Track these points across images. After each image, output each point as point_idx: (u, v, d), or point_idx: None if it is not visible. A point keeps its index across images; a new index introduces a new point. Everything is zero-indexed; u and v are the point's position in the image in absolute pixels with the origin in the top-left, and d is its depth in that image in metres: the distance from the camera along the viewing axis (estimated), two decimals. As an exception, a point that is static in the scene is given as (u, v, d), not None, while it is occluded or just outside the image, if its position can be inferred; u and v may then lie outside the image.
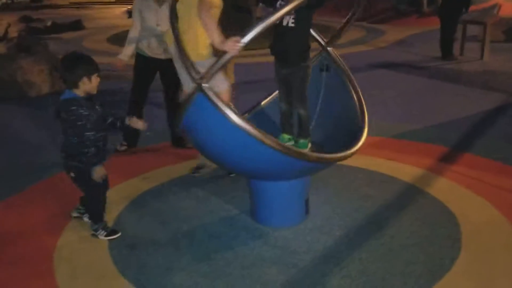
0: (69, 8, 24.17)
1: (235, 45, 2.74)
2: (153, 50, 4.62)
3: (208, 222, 3.54)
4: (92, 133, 3.09)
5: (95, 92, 3.18)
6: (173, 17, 3.30)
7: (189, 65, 2.94)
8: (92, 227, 3.34)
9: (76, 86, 3.10)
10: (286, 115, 3.51)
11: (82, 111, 3.06)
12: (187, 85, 3.45)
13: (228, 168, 3.85)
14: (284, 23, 3.23)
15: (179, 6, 3.41)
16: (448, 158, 4.54)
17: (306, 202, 3.48)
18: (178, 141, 4.93)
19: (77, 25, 15.32)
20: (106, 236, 3.30)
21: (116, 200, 3.82)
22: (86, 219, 3.46)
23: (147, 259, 3.08)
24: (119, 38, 11.80)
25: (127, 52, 4.70)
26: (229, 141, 2.94)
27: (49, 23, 14.98)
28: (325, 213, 3.57)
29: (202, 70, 2.87)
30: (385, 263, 2.98)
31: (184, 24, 3.39)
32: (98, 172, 3.15)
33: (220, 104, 2.80)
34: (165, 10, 4.47)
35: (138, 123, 3.35)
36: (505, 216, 3.47)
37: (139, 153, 4.87)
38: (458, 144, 4.91)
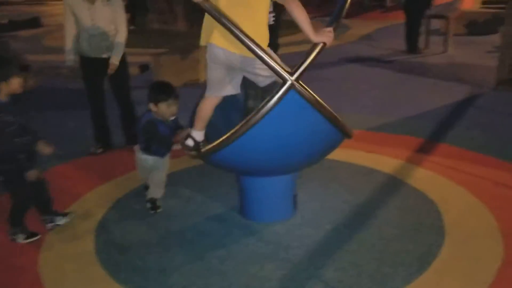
0: (23, 5, 23.37)
1: (330, 35, 2.76)
2: (95, 50, 4.46)
3: (197, 220, 3.52)
4: (20, 138, 3.07)
5: (20, 91, 3.12)
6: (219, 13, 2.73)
7: (272, 62, 2.73)
8: (9, 231, 3.28)
9: None
10: None
11: (7, 118, 3.01)
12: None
13: (286, 168, 3.33)
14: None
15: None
16: (424, 149, 4.67)
17: (294, 197, 3.52)
18: (133, 140, 4.86)
19: (35, 22, 14.82)
20: (25, 239, 3.26)
21: (99, 203, 3.76)
22: (52, 224, 3.42)
23: (138, 262, 3.04)
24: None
25: (70, 57, 4.51)
26: (319, 134, 2.97)
27: (5, 21, 14.45)
28: (313, 207, 3.61)
29: (252, 67, 2.83)
30: (375, 254, 3.05)
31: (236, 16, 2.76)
32: (31, 176, 3.14)
33: (315, 97, 2.82)
34: (99, 7, 4.39)
35: (45, 149, 3.25)
36: (484, 203, 3.60)
37: (117, 154, 4.79)
38: (432, 135, 5.05)
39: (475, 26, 10.70)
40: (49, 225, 3.41)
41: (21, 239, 3.25)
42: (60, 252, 3.16)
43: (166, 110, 3.44)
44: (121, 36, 4.53)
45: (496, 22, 10.70)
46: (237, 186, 3.53)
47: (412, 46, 9.08)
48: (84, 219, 3.55)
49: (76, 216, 3.57)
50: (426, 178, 4.03)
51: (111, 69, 4.47)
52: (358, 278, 2.83)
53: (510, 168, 4.17)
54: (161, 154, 3.57)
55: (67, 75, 7.45)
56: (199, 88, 6.47)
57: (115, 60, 4.48)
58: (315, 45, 2.81)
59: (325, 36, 2.78)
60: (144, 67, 7.85)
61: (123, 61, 4.59)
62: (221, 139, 2.92)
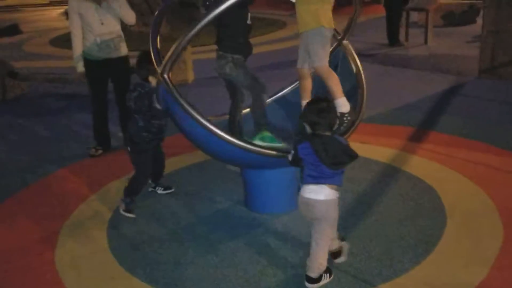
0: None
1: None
2: (104, 50, 4.52)
3: (205, 215, 3.60)
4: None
5: None
6: None
7: None
8: (122, 199, 3.60)
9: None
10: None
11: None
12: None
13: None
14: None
15: None
16: (416, 138, 4.83)
17: (299, 188, 3.61)
18: None
19: (13, 29, 14.61)
20: (124, 211, 3.57)
21: (106, 203, 3.80)
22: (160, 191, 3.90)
23: (153, 257, 3.10)
24: (63, 41, 11.46)
25: (81, 62, 4.54)
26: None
27: (-17, 30, 14.22)
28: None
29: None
30: (381, 238, 3.17)
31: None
32: None
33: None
34: (106, 8, 4.46)
35: None
36: (479, 186, 3.76)
37: (117, 155, 4.81)
38: (422, 124, 5.22)
39: (453, 18, 10.99)
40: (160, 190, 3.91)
41: (122, 209, 3.58)
42: (75, 251, 3.20)
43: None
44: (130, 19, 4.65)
45: (472, 13, 11.03)
46: (242, 180, 3.61)
47: (393, 39, 9.29)
48: (94, 218, 3.60)
49: (86, 215, 3.62)
50: (421, 165, 4.18)
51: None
52: (367, 262, 2.94)
53: (498, 152, 4.36)
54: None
55: (57, 80, 7.44)
56: (187, 87, 6.56)
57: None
58: None
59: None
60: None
61: (126, 63, 4.64)
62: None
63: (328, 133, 2.62)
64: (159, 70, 3.16)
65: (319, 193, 2.61)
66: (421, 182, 3.88)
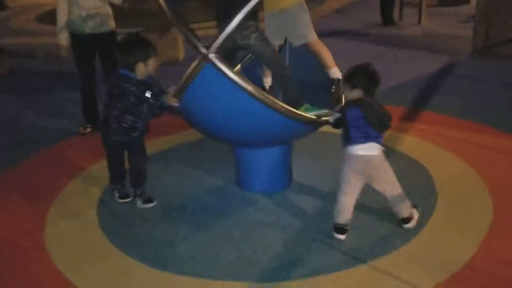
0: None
1: None
2: (90, 25, 4.42)
3: (196, 194, 3.58)
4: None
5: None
6: None
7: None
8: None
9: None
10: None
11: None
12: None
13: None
14: None
15: None
16: (409, 117, 4.82)
17: (290, 167, 3.60)
18: None
19: (-2, 5, 14.32)
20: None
21: (95, 181, 3.76)
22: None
23: (144, 236, 3.09)
24: (50, 16, 11.21)
25: (64, 35, 4.45)
26: (247, 113, 3.09)
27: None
28: (308, 177, 3.70)
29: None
30: (374, 215, 3.18)
31: None
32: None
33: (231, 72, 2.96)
34: None
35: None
36: (470, 165, 3.77)
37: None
38: (415, 103, 5.21)
39: (446, -3, 10.90)
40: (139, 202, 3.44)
41: (116, 197, 3.46)
42: (65, 229, 3.18)
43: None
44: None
45: (466, -7, 10.94)
46: (233, 158, 3.59)
47: (387, 19, 9.21)
48: (83, 196, 3.57)
49: (76, 193, 3.58)
50: (414, 145, 4.17)
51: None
52: (358, 239, 2.95)
53: (490, 132, 4.36)
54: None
55: (43, 57, 7.31)
56: (179, 67, 6.51)
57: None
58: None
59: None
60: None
61: (114, 39, 4.56)
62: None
63: (368, 99, 2.85)
64: (203, 50, 2.82)
65: (373, 150, 2.87)
66: (413, 162, 3.88)
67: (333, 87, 3.60)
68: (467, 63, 6.64)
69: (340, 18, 10.59)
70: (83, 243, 3.03)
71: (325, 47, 3.58)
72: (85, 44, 4.49)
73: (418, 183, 3.54)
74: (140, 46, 3.12)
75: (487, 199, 3.30)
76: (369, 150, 2.86)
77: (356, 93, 2.87)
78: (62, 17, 4.42)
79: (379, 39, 8.33)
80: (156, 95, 3.11)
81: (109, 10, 4.55)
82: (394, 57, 7.18)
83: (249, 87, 2.89)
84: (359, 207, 3.25)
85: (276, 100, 3.04)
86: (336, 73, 3.63)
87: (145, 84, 3.14)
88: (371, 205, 3.29)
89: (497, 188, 3.41)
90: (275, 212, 3.28)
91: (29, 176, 3.94)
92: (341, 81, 3.47)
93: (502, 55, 6.53)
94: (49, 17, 11.41)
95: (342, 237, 2.93)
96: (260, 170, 3.47)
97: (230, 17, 2.81)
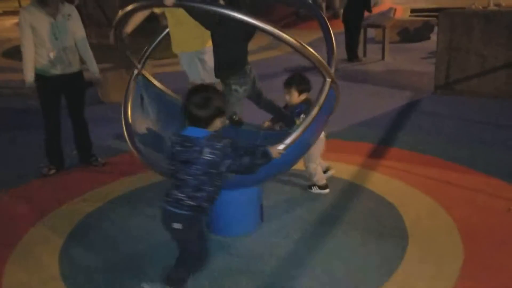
0: None
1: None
2: (58, 66, 4.34)
3: (163, 239, 3.42)
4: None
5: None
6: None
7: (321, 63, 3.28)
8: None
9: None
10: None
11: None
12: (196, 77, 4.26)
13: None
14: None
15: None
16: (377, 154, 4.86)
17: (261, 208, 3.54)
18: (88, 158, 4.77)
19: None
20: None
21: (58, 227, 3.61)
22: None
23: (107, 286, 2.94)
24: (17, 52, 10.98)
25: (31, 78, 4.30)
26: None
27: None
28: (279, 217, 3.65)
29: (206, 56, 3.86)
30: (344, 260, 3.13)
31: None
32: None
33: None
34: (61, 21, 4.30)
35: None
36: (439, 203, 3.80)
37: (71, 175, 4.62)
38: (382, 140, 5.26)
39: (407, 34, 11.28)
40: None
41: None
42: (24, 280, 3.00)
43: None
44: (88, 49, 4.54)
45: (426, 29, 11.36)
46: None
47: (352, 55, 9.42)
48: (45, 244, 3.40)
49: (37, 241, 3.41)
50: (382, 182, 4.19)
51: (96, 83, 4.62)
52: (331, 285, 2.89)
53: (455, 168, 4.42)
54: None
55: (7, 94, 7.12)
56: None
57: (96, 73, 4.60)
58: None
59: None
60: (87, 84, 7.61)
61: (80, 77, 4.48)
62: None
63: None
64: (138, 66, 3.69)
65: None
66: (382, 200, 3.88)
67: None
68: (430, 99, 6.82)
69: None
70: (43, 297, 2.87)
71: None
72: (53, 85, 4.39)
73: (388, 223, 3.54)
74: (219, 98, 2.63)
75: (457, 239, 3.30)
76: None
77: (303, 96, 3.81)
78: (29, 59, 4.29)
79: (344, 75, 8.48)
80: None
81: (76, 49, 4.47)
82: (359, 92, 7.31)
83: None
84: (329, 250, 3.22)
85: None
86: None
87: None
88: (341, 248, 3.25)
89: (465, 227, 3.42)
90: (245, 257, 3.19)
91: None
92: (287, 88, 3.91)
93: (463, 91, 6.74)
94: (16, 52, 11.16)
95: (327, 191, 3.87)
96: (229, 212, 3.39)
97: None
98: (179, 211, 2.58)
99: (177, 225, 2.59)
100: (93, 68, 4.58)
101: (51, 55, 4.28)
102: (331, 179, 4.23)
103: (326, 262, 3.11)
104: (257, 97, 3.86)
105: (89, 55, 4.55)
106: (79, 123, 4.67)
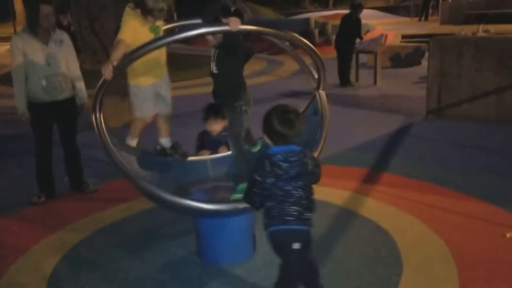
0: None
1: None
2: (50, 92, 4.32)
3: (155, 268, 3.39)
4: None
5: None
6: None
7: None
8: None
9: None
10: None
11: None
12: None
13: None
14: (212, 69, 3.52)
15: None
16: (370, 179, 4.84)
17: (253, 237, 3.50)
18: (80, 185, 4.73)
19: (-44, 65, 14.00)
20: None
21: (46, 257, 3.54)
22: None
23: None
24: (10, 78, 10.99)
25: (24, 102, 4.27)
26: None
27: None
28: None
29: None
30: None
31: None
32: None
33: None
34: (53, 48, 4.31)
35: None
36: (432, 229, 3.76)
37: (61, 202, 4.56)
38: (375, 165, 5.26)
39: (399, 59, 11.42)
40: None
41: None
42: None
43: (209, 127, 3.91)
44: (79, 76, 4.51)
45: (417, 55, 11.52)
46: (195, 230, 3.46)
47: (344, 80, 9.51)
48: (33, 274, 3.32)
49: (24, 272, 3.33)
50: (376, 208, 4.16)
51: (83, 110, 4.45)
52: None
53: (448, 193, 4.41)
54: None
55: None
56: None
57: (84, 101, 4.49)
58: None
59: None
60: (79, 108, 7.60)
61: (73, 104, 4.46)
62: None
63: None
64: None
65: None
66: (376, 227, 3.85)
67: None
68: (422, 123, 6.85)
69: (298, 79, 10.85)
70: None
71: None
72: (45, 112, 4.36)
73: (383, 250, 3.49)
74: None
75: (451, 264, 3.26)
76: None
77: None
78: (21, 86, 4.27)
79: (337, 100, 8.54)
80: None
81: (68, 75, 4.46)
82: (352, 117, 7.34)
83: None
84: (323, 279, 3.16)
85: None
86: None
87: None
88: (335, 276, 3.20)
89: (460, 253, 3.39)
90: (238, 286, 3.13)
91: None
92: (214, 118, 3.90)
93: (455, 116, 6.78)
94: (10, 78, 11.18)
95: None
96: (222, 241, 3.34)
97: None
98: (301, 228, 2.58)
99: (296, 245, 2.56)
100: (82, 93, 4.51)
101: (43, 82, 4.27)
102: (324, 204, 4.20)
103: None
104: None
105: (79, 81, 4.52)
106: (71, 150, 4.64)
